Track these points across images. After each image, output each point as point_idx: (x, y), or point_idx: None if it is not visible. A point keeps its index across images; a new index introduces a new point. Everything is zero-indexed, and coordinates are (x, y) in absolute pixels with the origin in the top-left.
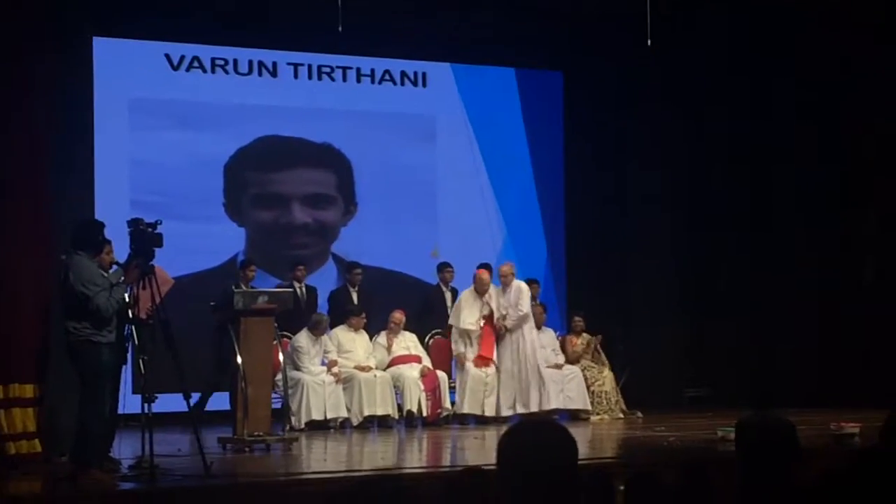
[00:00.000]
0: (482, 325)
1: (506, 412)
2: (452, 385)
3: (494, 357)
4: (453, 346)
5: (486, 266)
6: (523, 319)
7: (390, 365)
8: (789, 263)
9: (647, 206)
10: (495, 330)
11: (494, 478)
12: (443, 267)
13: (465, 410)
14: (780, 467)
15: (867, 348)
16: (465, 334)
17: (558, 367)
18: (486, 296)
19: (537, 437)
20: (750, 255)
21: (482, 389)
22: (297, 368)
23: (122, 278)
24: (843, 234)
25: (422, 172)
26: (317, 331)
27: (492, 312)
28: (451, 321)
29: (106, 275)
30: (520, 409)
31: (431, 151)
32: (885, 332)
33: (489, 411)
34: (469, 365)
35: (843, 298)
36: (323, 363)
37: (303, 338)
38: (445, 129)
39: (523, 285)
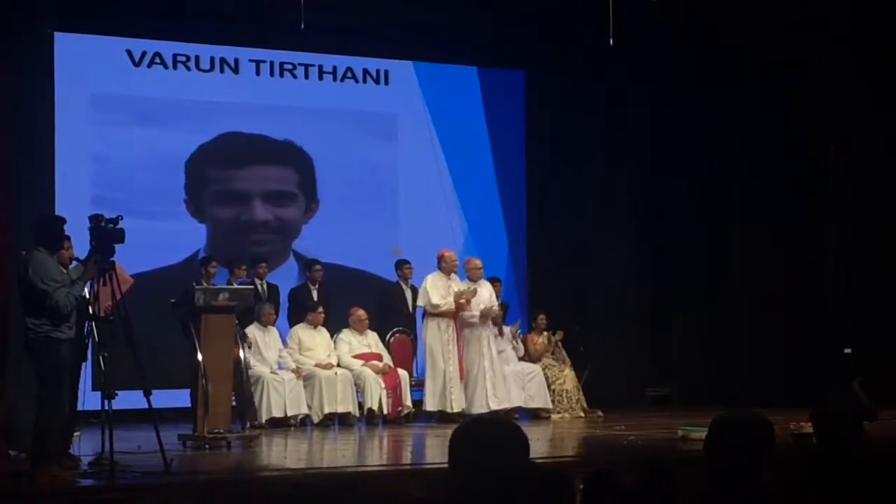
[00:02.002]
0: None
1: (475, 410)
2: (413, 383)
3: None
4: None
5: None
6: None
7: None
8: (752, 262)
9: (609, 205)
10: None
11: (444, 476)
12: (401, 264)
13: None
14: (754, 463)
15: (828, 348)
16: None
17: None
18: (452, 275)
19: (487, 434)
20: (712, 253)
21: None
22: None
23: (82, 275)
24: (807, 230)
25: (383, 170)
26: (263, 320)
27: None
28: (420, 303)
29: (66, 271)
30: (493, 406)
31: (393, 149)
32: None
33: (456, 408)
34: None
35: (806, 299)
36: (280, 367)
37: (251, 329)
38: (407, 126)
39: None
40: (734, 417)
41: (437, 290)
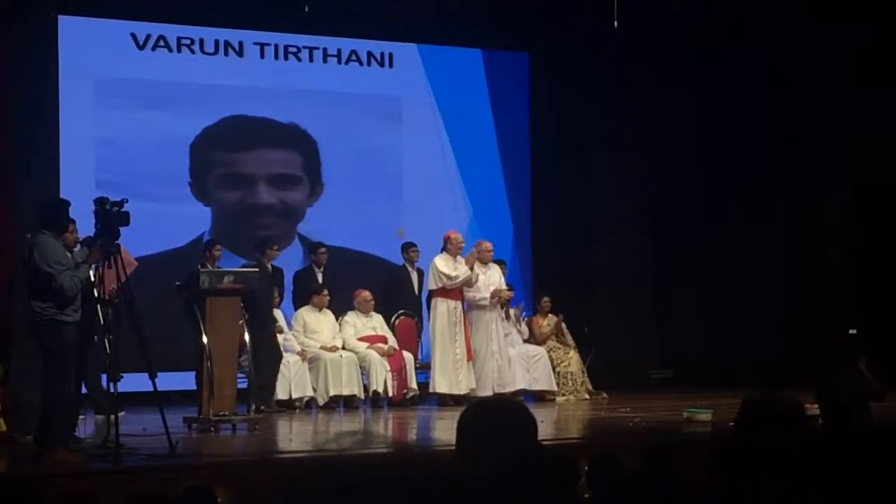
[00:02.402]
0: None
1: (483, 392)
2: (418, 366)
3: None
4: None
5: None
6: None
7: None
8: (755, 244)
9: (614, 188)
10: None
11: (453, 457)
12: (407, 247)
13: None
14: (785, 444)
15: (832, 331)
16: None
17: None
18: (458, 258)
19: (496, 416)
20: (716, 237)
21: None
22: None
23: (87, 257)
24: (811, 210)
25: (388, 153)
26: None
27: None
28: (431, 285)
29: (70, 254)
30: (498, 389)
31: (397, 132)
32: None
33: (464, 390)
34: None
35: (809, 280)
36: (286, 350)
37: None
38: (412, 109)
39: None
40: (763, 399)
41: (447, 269)
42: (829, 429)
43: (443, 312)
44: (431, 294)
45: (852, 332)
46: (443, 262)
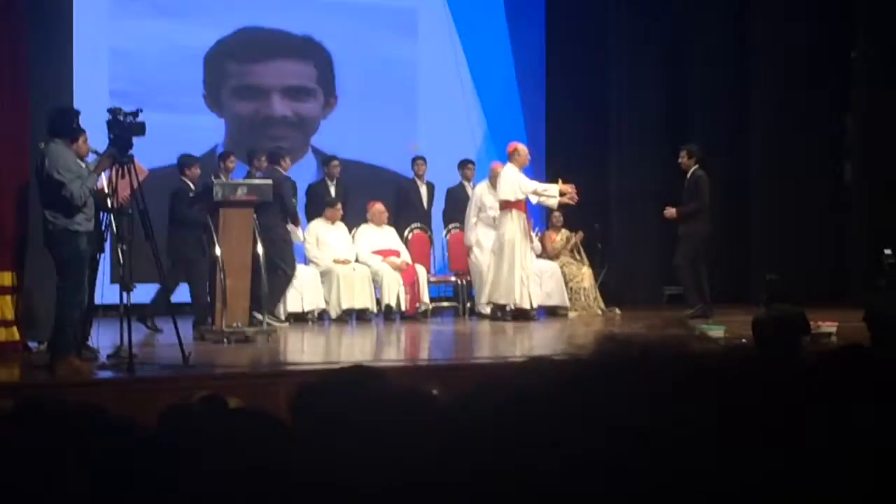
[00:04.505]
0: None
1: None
2: (431, 279)
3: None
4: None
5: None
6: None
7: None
8: (775, 159)
9: (629, 101)
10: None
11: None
12: (415, 160)
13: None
14: (795, 346)
15: (845, 249)
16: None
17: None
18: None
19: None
20: (732, 154)
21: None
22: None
23: (97, 166)
24: (831, 136)
25: (402, 66)
26: None
27: None
28: (508, 195)
29: (83, 164)
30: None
31: (413, 45)
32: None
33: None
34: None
35: (825, 199)
36: (302, 260)
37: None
38: (427, 22)
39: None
40: (771, 316)
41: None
42: (879, 349)
43: (519, 224)
44: (503, 205)
45: (888, 252)
46: (518, 172)
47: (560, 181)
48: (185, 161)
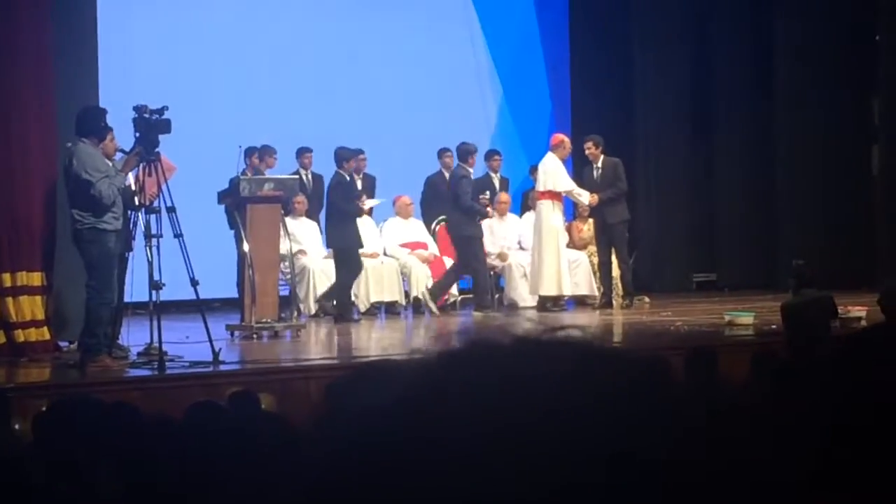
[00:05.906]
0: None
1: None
2: None
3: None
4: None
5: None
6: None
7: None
8: (796, 148)
9: (656, 87)
10: None
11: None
12: (442, 153)
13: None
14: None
15: (874, 234)
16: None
17: None
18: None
19: None
20: (760, 138)
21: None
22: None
23: (124, 165)
24: (857, 119)
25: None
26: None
27: None
28: (548, 187)
29: (110, 163)
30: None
31: (434, 34)
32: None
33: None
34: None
35: (852, 184)
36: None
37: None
38: (448, 14)
39: None
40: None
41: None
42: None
43: (557, 214)
44: (546, 195)
45: None
46: (561, 165)
47: (591, 194)
48: (343, 154)
